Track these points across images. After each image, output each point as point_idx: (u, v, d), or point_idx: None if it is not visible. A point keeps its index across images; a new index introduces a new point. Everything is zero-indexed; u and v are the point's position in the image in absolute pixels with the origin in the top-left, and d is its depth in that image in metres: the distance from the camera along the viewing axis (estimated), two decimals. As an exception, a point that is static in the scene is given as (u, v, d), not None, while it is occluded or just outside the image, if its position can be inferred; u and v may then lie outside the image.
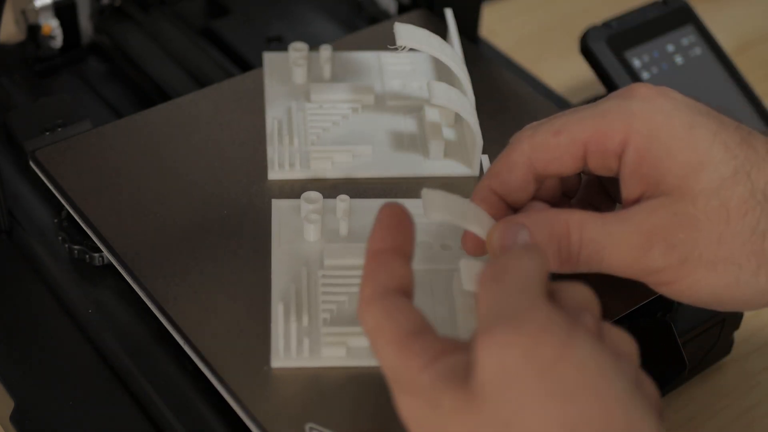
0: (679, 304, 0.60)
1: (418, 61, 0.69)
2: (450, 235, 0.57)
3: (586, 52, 0.72)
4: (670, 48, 0.74)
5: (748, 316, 0.66)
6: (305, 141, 0.62)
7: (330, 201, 0.59)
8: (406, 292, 0.45)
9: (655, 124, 0.48)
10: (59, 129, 0.65)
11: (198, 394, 0.55)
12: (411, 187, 0.61)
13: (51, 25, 0.76)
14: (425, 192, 0.49)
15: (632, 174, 0.49)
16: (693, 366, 0.64)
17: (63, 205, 0.61)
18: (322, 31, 0.80)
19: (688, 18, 0.75)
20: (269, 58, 0.68)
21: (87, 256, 0.60)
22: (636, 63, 0.72)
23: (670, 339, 0.57)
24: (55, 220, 0.62)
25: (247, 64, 0.76)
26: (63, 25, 0.76)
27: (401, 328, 0.43)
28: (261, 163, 0.62)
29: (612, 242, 0.48)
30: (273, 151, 0.62)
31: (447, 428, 0.41)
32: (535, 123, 0.52)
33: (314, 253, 0.57)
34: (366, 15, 0.82)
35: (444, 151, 0.62)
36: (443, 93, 0.59)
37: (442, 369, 0.41)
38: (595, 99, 0.64)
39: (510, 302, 0.41)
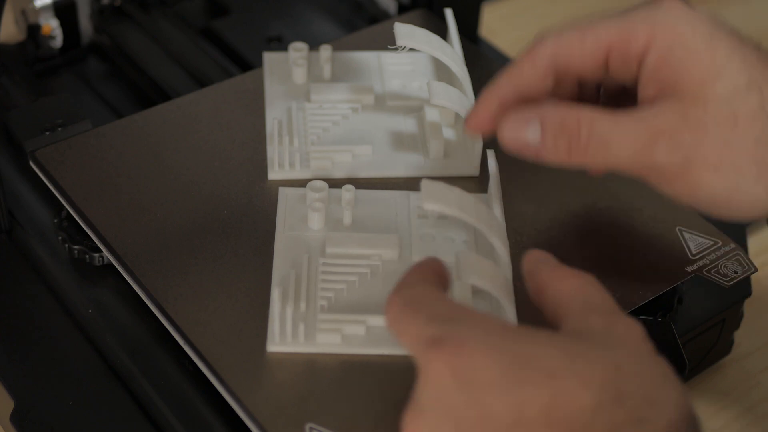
0: (680, 303, 0.60)
1: (418, 62, 0.69)
2: (452, 227, 0.58)
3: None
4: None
5: (748, 316, 0.66)
6: (305, 141, 0.62)
7: (336, 191, 0.59)
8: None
9: (678, 31, 0.50)
10: (59, 129, 0.65)
11: (198, 394, 0.55)
12: (411, 186, 0.61)
13: (51, 25, 0.76)
14: (424, 182, 0.49)
15: (651, 76, 0.50)
16: (693, 366, 0.64)
17: (63, 205, 0.61)
18: (322, 31, 0.80)
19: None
20: (269, 58, 0.68)
21: (87, 256, 0.60)
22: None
23: (670, 339, 0.57)
24: (55, 220, 0.62)
25: (247, 64, 0.76)
26: (63, 25, 0.76)
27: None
28: (261, 163, 0.62)
29: (619, 136, 0.49)
30: (273, 151, 0.62)
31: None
32: (559, 26, 0.54)
33: (317, 241, 0.57)
34: (366, 15, 0.82)
35: (444, 150, 0.62)
36: (443, 93, 0.59)
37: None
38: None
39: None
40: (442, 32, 0.72)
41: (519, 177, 0.62)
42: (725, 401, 0.65)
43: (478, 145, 0.61)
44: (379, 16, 0.81)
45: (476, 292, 0.55)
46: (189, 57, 0.76)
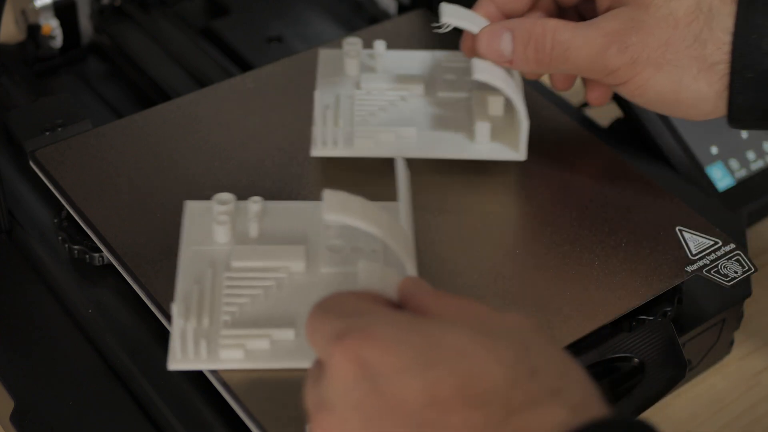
0: (680, 303, 0.60)
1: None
2: (362, 238, 0.56)
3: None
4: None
5: (748, 316, 0.66)
6: (351, 122, 0.62)
7: (243, 203, 0.57)
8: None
9: None
10: (59, 129, 0.65)
11: (198, 394, 0.55)
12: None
13: (51, 25, 0.76)
14: (326, 192, 0.49)
15: None
16: (693, 366, 0.64)
17: (63, 205, 0.61)
18: (322, 31, 0.80)
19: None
20: (324, 54, 0.68)
21: (87, 256, 0.60)
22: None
23: (670, 339, 0.57)
24: (55, 220, 0.62)
25: (247, 64, 0.76)
26: (63, 25, 0.76)
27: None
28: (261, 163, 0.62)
29: (578, 43, 0.56)
30: (318, 130, 0.62)
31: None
32: None
33: (223, 255, 0.56)
34: (366, 15, 0.82)
35: (490, 134, 0.62)
36: (487, 69, 0.59)
37: None
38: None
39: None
40: (441, 34, 0.72)
41: (520, 177, 0.62)
42: (725, 401, 0.65)
43: (524, 127, 0.60)
44: (379, 16, 0.81)
45: None
46: (189, 57, 0.76)
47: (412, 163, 0.60)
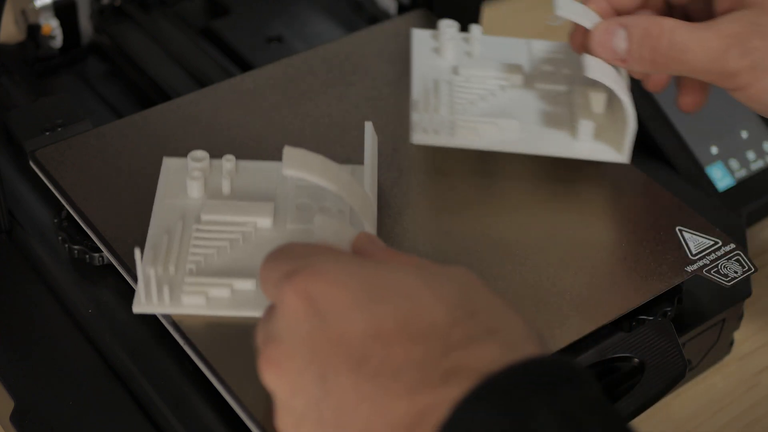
0: (680, 303, 0.60)
1: (570, 51, 0.65)
2: (330, 197, 0.58)
3: (586, 51, 0.72)
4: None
5: (747, 316, 0.66)
6: (451, 110, 0.62)
7: (218, 161, 0.60)
8: None
9: None
10: (59, 129, 0.65)
11: (198, 394, 0.55)
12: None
13: (51, 25, 0.76)
14: (286, 149, 0.50)
15: None
16: (693, 366, 0.64)
17: (63, 205, 0.61)
18: (322, 31, 0.80)
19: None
20: (417, 34, 0.68)
21: (87, 256, 0.60)
22: (636, 63, 0.72)
23: (670, 339, 0.57)
24: (55, 220, 0.62)
25: (247, 64, 0.76)
26: (63, 25, 0.76)
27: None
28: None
29: (695, 45, 0.54)
30: (419, 117, 0.61)
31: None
32: None
33: (194, 208, 0.58)
34: (366, 15, 0.82)
35: (594, 132, 0.61)
36: (599, 67, 0.58)
37: None
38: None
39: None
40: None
41: (522, 177, 0.62)
42: (725, 401, 0.65)
43: (631, 128, 0.59)
44: (379, 16, 0.81)
45: None
46: (189, 57, 0.76)
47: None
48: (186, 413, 0.54)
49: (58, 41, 0.76)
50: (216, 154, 0.62)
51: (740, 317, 0.65)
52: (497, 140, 0.61)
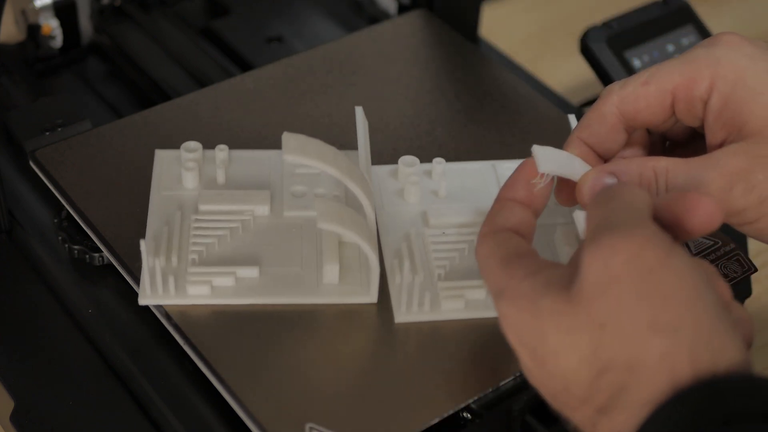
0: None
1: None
2: (324, 183, 0.59)
3: (586, 52, 0.72)
4: (670, 48, 0.74)
5: (748, 316, 0.66)
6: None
7: (211, 152, 0.61)
8: (522, 234, 0.49)
9: (739, 69, 0.50)
10: (59, 129, 0.65)
11: (198, 394, 0.55)
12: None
13: (51, 25, 0.76)
14: (285, 135, 0.51)
15: (716, 119, 0.51)
16: (693, 366, 0.64)
17: (63, 205, 0.61)
18: (322, 31, 0.80)
19: (688, 18, 0.75)
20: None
21: (87, 256, 0.60)
22: (636, 63, 0.72)
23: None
24: (55, 220, 0.62)
25: (247, 64, 0.76)
26: (63, 25, 0.76)
27: (509, 252, 0.47)
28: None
29: (695, 187, 0.50)
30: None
31: (544, 329, 0.43)
32: (624, 78, 0.54)
33: (191, 199, 0.58)
34: (366, 15, 0.82)
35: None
36: (550, 158, 0.52)
37: (542, 278, 0.44)
38: (594, 99, 0.64)
39: (619, 217, 0.43)
40: (440, 33, 0.72)
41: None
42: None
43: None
44: (379, 16, 0.81)
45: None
46: (189, 57, 0.76)
47: None
48: (186, 413, 0.54)
49: (58, 41, 0.76)
50: (216, 154, 0.62)
51: (740, 317, 0.65)
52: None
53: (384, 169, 0.62)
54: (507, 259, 0.47)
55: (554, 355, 0.43)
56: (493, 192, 0.57)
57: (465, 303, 0.54)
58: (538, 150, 0.51)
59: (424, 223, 0.58)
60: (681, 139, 0.55)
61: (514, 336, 0.45)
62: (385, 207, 0.59)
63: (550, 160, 0.51)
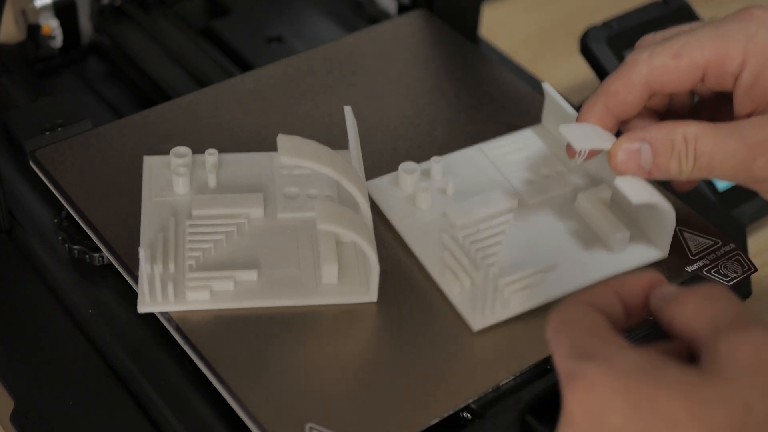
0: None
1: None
2: (316, 184, 0.59)
3: (586, 52, 0.72)
4: (670, 48, 0.74)
5: (748, 316, 0.66)
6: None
7: (200, 156, 0.60)
8: (607, 315, 0.44)
9: None
10: (59, 129, 0.65)
11: (198, 394, 0.55)
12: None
13: (51, 25, 0.76)
14: (279, 137, 0.52)
15: (746, 93, 0.52)
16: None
17: (63, 205, 0.61)
18: (322, 31, 0.80)
19: (688, 18, 0.75)
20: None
21: (87, 256, 0.60)
22: (636, 63, 0.72)
23: (670, 339, 0.57)
24: (55, 220, 0.62)
25: (247, 64, 0.76)
26: (63, 25, 0.76)
27: (595, 322, 0.43)
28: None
29: (721, 156, 0.51)
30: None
31: (660, 400, 0.40)
32: (649, 41, 0.55)
33: (184, 204, 0.58)
34: (366, 15, 0.82)
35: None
36: (637, 187, 0.54)
37: (653, 350, 0.42)
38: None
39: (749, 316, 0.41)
40: (440, 33, 0.72)
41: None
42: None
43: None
44: (379, 16, 0.81)
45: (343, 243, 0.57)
46: (189, 57, 0.76)
47: None
48: (186, 413, 0.54)
49: (58, 41, 0.76)
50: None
51: (740, 317, 0.65)
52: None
53: (384, 181, 0.61)
54: (595, 327, 0.43)
55: (673, 425, 0.39)
56: (493, 174, 0.61)
57: (529, 293, 0.54)
58: (567, 131, 0.53)
59: (450, 225, 0.58)
60: (707, 97, 0.57)
61: (595, 410, 0.40)
62: (403, 218, 0.59)
63: (581, 137, 0.54)
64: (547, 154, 0.63)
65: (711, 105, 0.58)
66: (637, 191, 0.54)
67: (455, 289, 0.55)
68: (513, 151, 0.63)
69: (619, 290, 0.45)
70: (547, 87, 0.62)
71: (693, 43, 0.53)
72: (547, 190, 0.61)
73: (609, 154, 0.53)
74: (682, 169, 0.53)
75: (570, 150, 0.56)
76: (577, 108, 0.59)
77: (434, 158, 0.61)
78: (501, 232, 0.58)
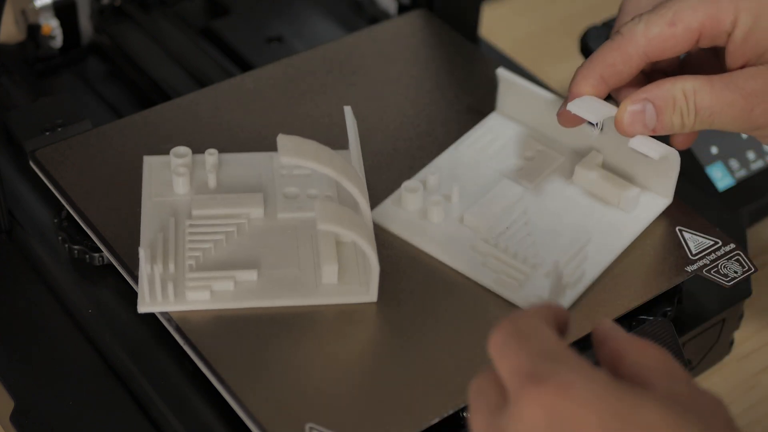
0: (680, 303, 0.60)
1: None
2: (315, 184, 0.59)
3: (586, 52, 0.72)
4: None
5: (747, 316, 0.66)
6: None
7: (200, 156, 0.60)
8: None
9: (762, 2, 0.53)
10: (59, 129, 0.65)
11: (198, 394, 0.55)
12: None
13: (51, 25, 0.76)
14: (279, 137, 0.52)
15: (738, 48, 0.54)
16: (693, 366, 0.64)
17: (63, 205, 0.61)
18: (322, 31, 0.80)
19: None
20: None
21: (87, 256, 0.60)
22: (636, 63, 0.72)
23: (670, 339, 0.57)
24: (55, 220, 0.62)
25: (247, 64, 0.76)
26: (63, 25, 0.76)
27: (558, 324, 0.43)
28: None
29: (720, 108, 0.54)
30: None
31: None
32: (634, 7, 0.57)
33: (184, 204, 0.58)
34: (366, 15, 0.82)
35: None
36: (647, 140, 0.56)
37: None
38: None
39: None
40: (441, 34, 0.72)
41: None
42: (725, 401, 0.65)
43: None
44: (379, 16, 0.81)
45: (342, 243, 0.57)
46: (189, 57, 0.76)
47: None
48: (186, 413, 0.54)
49: (58, 41, 0.76)
50: (216, 154, 0.62)
51: (740, 317, 0.65)
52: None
53: (386, 206, 0.59)
54: (555, 338, 0.42)
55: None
56: (484, 169, 0.62)
57: (584, 271, 0.56)
58: (576, 108, 0.55)
59: (475, 233, 0.58)
60: (693, 53, 0.59)
61: (567, 415, 0.39)
62: (422, 236, 0.58)
63: (591, 110, 0.56)
64: (522, 136, 0.64)
65: (698, 58, 0.59)
66: (652, 147, 0.56)
67: (520, 293, 0.55)
68: (489, 142, 0.64)
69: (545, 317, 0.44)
70: (502, 72, 0.63)
71: (685, 9, 0.54)
72: (539, 171, 0.62)
73: (615, 120, 0.55)
74: (685, 123, 0.54)
75: (563, 118, 0.58)
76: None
77: (432, 176, 0.60)
78: (525, 222, 0.58)
